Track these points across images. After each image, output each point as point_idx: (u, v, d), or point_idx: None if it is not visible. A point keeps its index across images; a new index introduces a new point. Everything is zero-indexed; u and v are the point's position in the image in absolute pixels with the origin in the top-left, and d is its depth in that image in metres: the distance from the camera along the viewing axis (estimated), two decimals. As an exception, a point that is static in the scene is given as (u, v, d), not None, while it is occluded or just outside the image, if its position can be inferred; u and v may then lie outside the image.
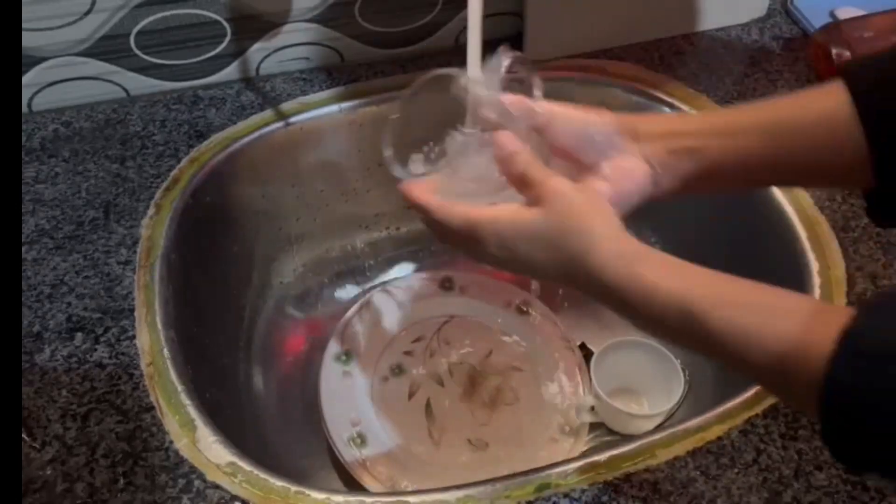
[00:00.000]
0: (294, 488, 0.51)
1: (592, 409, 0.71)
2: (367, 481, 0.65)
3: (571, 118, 0.48)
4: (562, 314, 0.81)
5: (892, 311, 0.34)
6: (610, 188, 0.47)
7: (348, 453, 0.67)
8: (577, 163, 0.48)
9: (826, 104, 0.43)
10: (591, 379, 0.71)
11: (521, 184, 0.44)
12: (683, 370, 0.73)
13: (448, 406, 0.73)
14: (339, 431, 0.69)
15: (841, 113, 0.42)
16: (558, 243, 0.42)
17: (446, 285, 0.81)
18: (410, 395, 0.74)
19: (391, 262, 0.86)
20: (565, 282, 0.43)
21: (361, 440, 0.69)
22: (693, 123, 0.49)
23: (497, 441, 0.71)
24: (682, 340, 0.40)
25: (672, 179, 0.47)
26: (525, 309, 0.79)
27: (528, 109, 0.47)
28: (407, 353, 0.77)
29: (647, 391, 0.74)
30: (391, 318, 0.78)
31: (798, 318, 0.36)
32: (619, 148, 0.47)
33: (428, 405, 0.73)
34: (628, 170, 0.47)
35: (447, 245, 0.47)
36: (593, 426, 0.72)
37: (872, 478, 0.36)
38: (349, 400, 0.72)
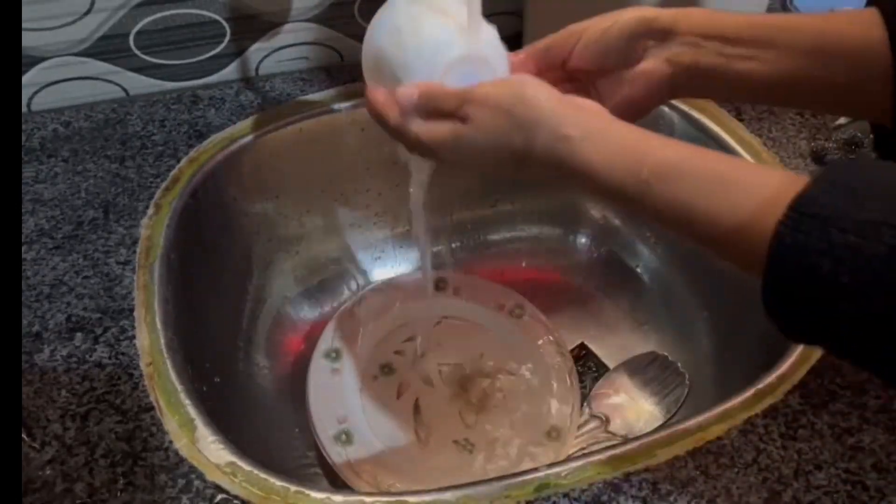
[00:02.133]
0: (294, 488, 0.51)
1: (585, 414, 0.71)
2: (352, 479, 0.65)
3: (588, 40, 0.50)
4: (560, 313, 0.81)
5: (844, 177, 0.35)
6: (620, 97, 0.49)
7: (333, 450, 0.67)
8: (595, 75, 0.50)
9: (860, 28, 0.44)
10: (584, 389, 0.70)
11: (436, 115, 0.46)
12: (684, 373, 0.73)
13: (436, 407, 0.73)
14: (325, 428, 0.69)
15: (872, 39, 0.43)
16: (503, 139, 0.44)
17: (440, 286, 0.81)
18: (399, 395, 0.74)
19: (391, 263, 0.86)
20: (516, 169, 0.45)
21: (347, 438, 0.69)
22: (732, 27, 0.47)
23: (484, 443, 0.70)
24: (638, 215, 0.43)
25: (693, 86, 0.49)
26: (518, 313, 0.79)
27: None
28: (398, 352, 0.77)
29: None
30: (383, 318, 0.78)
31: (746, 196, 0.37)
32: (641, 53, 0.49)
33: (416, 405, 0.73)
34: (646, 74, 0.49)
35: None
36: (592, 426, 0.72)
37: (802, 341, 0.38)
38: (337, 397, 0.72)
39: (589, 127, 0.42)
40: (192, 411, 0.55)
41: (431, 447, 0.70)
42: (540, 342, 0.77)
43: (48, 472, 0.51)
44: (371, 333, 0.77)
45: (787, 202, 0.34)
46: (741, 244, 0.37)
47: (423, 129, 0.46)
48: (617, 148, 0.41)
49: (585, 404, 0.73)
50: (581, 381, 0.75)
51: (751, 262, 0.36)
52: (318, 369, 0.73)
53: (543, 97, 0.43)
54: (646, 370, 0.75)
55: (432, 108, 0.46)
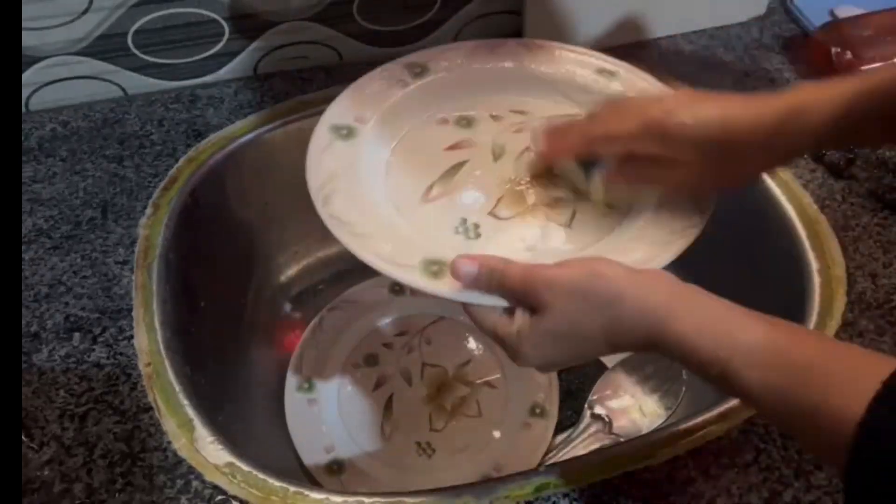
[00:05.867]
0: (293, 489, 0.51)
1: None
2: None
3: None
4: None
5: None
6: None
7: (328, 482, 0.67)
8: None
9: None
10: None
11: (511, 295, 0.45)
12: (680, 368, 0.73)
13: (408, 405, 0.73)
14: (315, 461, 0.69)
15: None
16: (583, 328, 0.42)
17: (396, 289, 0.81)
18: (376, 387, 0.74)
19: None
20: (606, 348, 0.43)
21: (339, 467, 0.69)
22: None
23: (445, 450, 0.70)
24: (723, 390, 0.40)
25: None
26: None
27: None
28: (386, 344, 0.77)
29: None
30: (347, 333, 0.78)
31: (832, 384, 0.35)
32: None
33: (389, 400, 0.73)
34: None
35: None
36: (595, 429, 0.72)
37: None
38: (319, 428, 0.71)
39: (673, 298, 0.41)
40: (190, 412, 0.54)
41: (393, 444, 0.70)
42: None
43: (47, 472, 0.51)
44: (338, 352, 0.77)
45: (877, 383, 0.32)
46: (831, 434, 0.34)
47: (500, 323, 0.46)
48: (703, 320, 0.40)
49: (587, 406, 0.73)
50: (581, 381, 0.75)
51: (837, 450, 0.34)
52: (294, 404, 0.73)
53: (620, 272, 0.42)
54: (643, 368, 0.74)
55: (496, 284, 0.45)
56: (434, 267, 0.49)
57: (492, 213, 0.56)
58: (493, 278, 0.45)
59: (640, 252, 0.50)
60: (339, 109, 0.61)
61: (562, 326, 0.43)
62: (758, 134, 0.46)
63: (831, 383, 0.35)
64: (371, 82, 0.63)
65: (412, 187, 0.57)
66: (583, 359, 0.45)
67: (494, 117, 0.63)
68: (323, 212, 0.52)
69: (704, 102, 0.48)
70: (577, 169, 0.55)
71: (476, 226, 0.55)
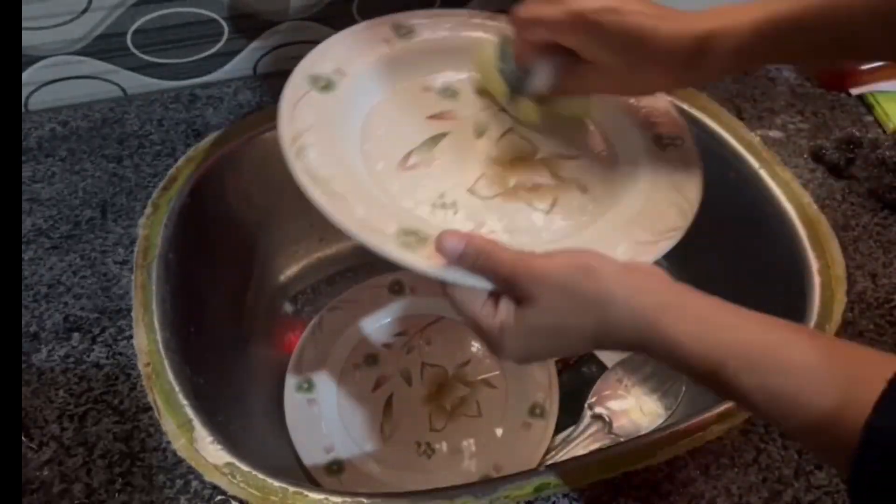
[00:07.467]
0: (292, 489, 0.51)
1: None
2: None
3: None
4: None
5: None
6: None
7: (327, 482, 0.68)
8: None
9: None
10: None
11: (496, 281, 0.44)
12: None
13: (408, 405, 0.73)
14: (315, 461, 0.69)
15: None
16: (569, 321, 0.42)
17: (395, 289, 0.81)
18: (376, 387, 0.74)
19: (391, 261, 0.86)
20: (592, 346, 0.43)
21: (338, 467, 0.69)
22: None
23: (445, 450, 0.71)
24: (718, 394, 0.39)
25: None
26: None
27: None
28: (386, 344, 0.77)
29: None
30: (347, 333, 0.78)
31: (834, 385, 0.34)
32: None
33: (389, 400, 0.73)
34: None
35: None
36: (595, 429, 0.72)
37: None
38: (319, 428, 0.71)
39: (664, 300, 0.40)
40: (190, 412, 0.54)
41: (393, 444, 0.71)
42: None
43: (46, 472, 0.51)
44: (337, 352, 0.76)
45: (867, 398, 0.32)
46: (834, 436, 0.34)
47: (482, 312, 0.44)
48: (696, 323, 0.39)
49: (587, 406, 0.73)
50: (581, 381, 0.75)
51: (835, 455, 0.34)
52: (294, 404, 0.73)
53: (611, 269, 0.41)
54: (643, 368, 0.75)
55: (480, 267, 0.44)
56: (411, 238, 0.47)
57: (471, 191, 0.54)
58: (479, 259, 0.44)
59: (623, 247, 0.49)
60: (319, 59, 0.59)
61: (548, 321, 0.42)
62: (676, 50, 0.47)
63: (833, 384, 0.35)
64: (354, 36, 0.60)
65: (389, 152, 0.55)
66: (565, 354, 0.45)
67: (480, 92, 0.61)
68: (295, 166, 0.50)
69: (633, 7, 0.48)
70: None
71: (454, 202, 0.53)
